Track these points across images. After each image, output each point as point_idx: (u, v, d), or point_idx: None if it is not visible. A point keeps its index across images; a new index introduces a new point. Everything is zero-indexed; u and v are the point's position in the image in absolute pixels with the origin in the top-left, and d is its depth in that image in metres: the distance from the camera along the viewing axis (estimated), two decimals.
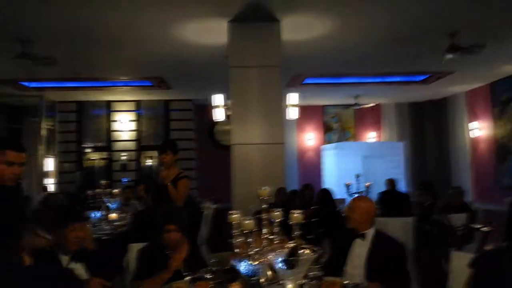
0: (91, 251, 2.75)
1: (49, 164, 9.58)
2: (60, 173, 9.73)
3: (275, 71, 5.14)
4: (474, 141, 9.24)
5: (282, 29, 5.16)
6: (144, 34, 5.52)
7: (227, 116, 5.28)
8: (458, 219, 4.27)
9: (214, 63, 6.42)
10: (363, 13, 4.93)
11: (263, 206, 2.04)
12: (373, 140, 10.94)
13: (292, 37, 5.60)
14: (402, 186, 9.05)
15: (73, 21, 5.01)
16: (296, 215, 1.94)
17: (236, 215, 2.01)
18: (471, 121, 9.31)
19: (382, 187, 6.92)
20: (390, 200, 5.95)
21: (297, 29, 5.40)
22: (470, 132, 9.29)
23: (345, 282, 2.11)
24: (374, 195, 6.58)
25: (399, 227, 4.50)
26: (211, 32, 5.41)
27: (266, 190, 2.03)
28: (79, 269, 2.55)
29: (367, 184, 5.77)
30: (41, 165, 9.03)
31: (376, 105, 10.91)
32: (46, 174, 9.31)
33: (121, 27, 5.25)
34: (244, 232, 1.94)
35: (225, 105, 5.34)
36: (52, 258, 2.48)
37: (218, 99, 5.31)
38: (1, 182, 2.39)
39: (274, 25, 5.14)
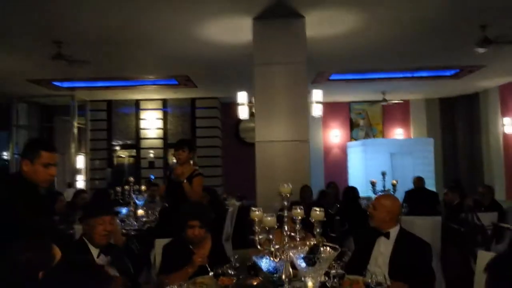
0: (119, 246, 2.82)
1: (80, 161, 9.90)
2: (91, 170, 10.04)
3: (301, 67, 5.11)
4: (508, 137, 8.90)
5: (307, 25, 5.13)
6: (170, 34, 5.62)
7: (252, 114, 5.30)
8: (488, 218, 4.14)
9: (239, 61, 6.46)
10: (390, 6, 4.83)
11: (284, 203, 2.04)
12: (402, 136, 10.71)
13: (318, 33, 5.56)
14: (432, 184, 8.83)
15: (104, 25, 5.19)
16: (317, 212, 1.94)
17: (257, 212, 2.02)
18: (504, 116, 8.98)
19: (410, 185, 6.77)
20: (418, 199, 5.81)
21: (322, 24, 5.35)
22: (504, 128, 8.95)
23: (368, 280, 2.09)
24: (401, 193, 6.46)
25: (427, 226, 4.40)
26: (235, 30, 5.45)
27: (287, 188, 2.03)
28: (106, 261, 2.62)
29: (393, 182, 5.66)
30: (73, 163, 9.34)
31: (405, 100, 10.68)
32: (77, 171, 9.63)
33: (148, 29, 5.37)
34: (266, 229, 1.95)
35: (249, 102, 5.36)
36: (82, 250, 2.56)
37: (242, 96, 5.33)
38: (37, 182, 2.41)
39: (299, 21, 5.12)
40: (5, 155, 9.65)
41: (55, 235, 2.70)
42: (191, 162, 4.47)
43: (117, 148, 10.16)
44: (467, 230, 3.85)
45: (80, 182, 9.90)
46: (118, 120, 10.19)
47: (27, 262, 1.56)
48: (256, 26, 5.15)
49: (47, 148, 2.43)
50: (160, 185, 4.85)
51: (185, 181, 4.09)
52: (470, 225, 3.81)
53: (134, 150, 10.13)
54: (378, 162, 8.63)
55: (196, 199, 4.07)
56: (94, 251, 2.62)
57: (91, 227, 2.61)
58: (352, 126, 10.94)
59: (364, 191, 6.86)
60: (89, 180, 10.01)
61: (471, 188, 7.33)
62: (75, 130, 9.38)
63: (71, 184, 9.20)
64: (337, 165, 10.57)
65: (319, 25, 5.35)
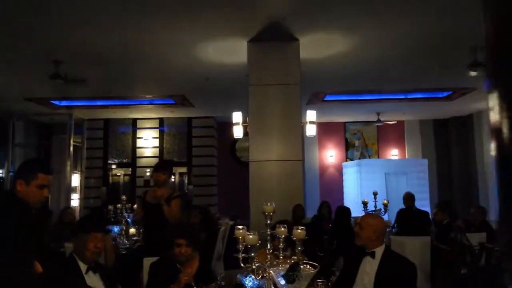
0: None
1: (75, 179, 9.90)
2: (86, 188, 10.03)
3: (294, 89, 5.20)
4: None
5: (301, 47, 5.25)
6: (169, 54, 5.73)
7: (247, 133, 5.35)
8: (476, 238, 4.16)
9: (236, 81, 6.56)
10: (385, 29, 4.94)
11: (267, 222, 2.08)
12: (397, 157, 10.78)
13: (312, 55, 5.67)
14: (427, 204, 8.84)
15: (103, 44, 5.29)
16: (298, 231, 1.97)
17: (241, 230, 2.05)
18: None
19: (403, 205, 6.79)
20: (408, 218, 5.82)
21: (317, 46, 5.47)
22: None
23: None
24: (393, 213, 6.48)
25: (416, 246, 4.41)
26: (232, 51, 5.56)
27: (270, 206, 2.07)
28: (96, 280, 2.63)
29: (384, 201, 5.69)
30: (68, 181, 9.35)
31: (399, 121, 10.79)
32: (72, 190, 9.62)
33: (146, 49, 5.48)
34: (248, 246, 1.98)
35: (244, 122, 5.43)
36: (71, 265, 2.57)
37: (237, 116, 5.41)
38: (30, 203, 2.39)
39: (293, 43, 5.24)
40: (0, 172, 9.64)
41: (46, 253, 2.72)
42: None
43: (113, 166, 10.19)
44: (455, 250, 3.86)
45: (75, 200, 9.87)
46: (114, 138, 10.25)
47: (7, 277, 1.58)
48: (251, 48, 5.27)
49: (44, 170, 2.43)
50: (136, 209, 4.54)
51: (164, 204, 4.01)
52: (459, 245, 3.82)
53: (130, 169, 10.15)
54: (373, 182, 8.67)
55: (175, 221, 4.02)
56: (83, 267, 2.63)
57: (82, 243, 2.62)
58: (348, 146, 11.01)
59: (358, 211, 6.87)
60: (83, 199, 9.99)
61: (466, 208, 7.33)
62: (71, 148, 9.42)
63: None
64: (332, 185, 10.59)
65: (313, 48, 5.46)
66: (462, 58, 5.61)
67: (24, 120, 9.87)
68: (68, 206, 7.35)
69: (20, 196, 2.37)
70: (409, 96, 8.51)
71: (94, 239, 2.61)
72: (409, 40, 5.32)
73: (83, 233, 2.64)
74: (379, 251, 2.66)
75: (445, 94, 8.33)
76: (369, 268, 2.63)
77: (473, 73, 5.64)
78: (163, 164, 4.47)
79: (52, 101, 8.41)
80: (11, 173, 9.25)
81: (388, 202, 5.67)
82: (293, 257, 1.99)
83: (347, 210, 5.77)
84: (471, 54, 5.51)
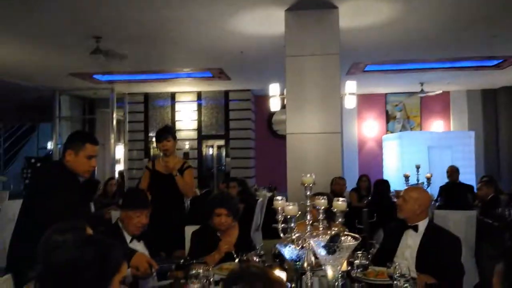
0: (153, 231, 2.90)
1: (119, 151, 10.28)
2: (129, 160, 10.41)
3: (334, 59, 5.03)
4: None
5: (340, 15, 5.05)
6: (204, 28, 5.70)
7: (284, 106, 5.29)
8: None
9: (273, 53, 6.46)
10: None
11: (307, 193, 2.06)
12: (440, 129, 10.35)
13: (352, 24, 5.46)
14: (473, 179, 8.49)
15: (141, 19, 5.33)
16: (339, 202, 1.95)
17: (280, 201, 2.05)
18: None
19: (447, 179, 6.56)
20: (452, 192, 5.61)
21: (357, 15, 5.25)
22: None
23: (392, 271, 2.07)
24: (436, 187, 6.27)
25: (461, 221, 4.26)
26: (268, 22, 5.45)
27: (310, 178, 2.05)
28: (141, 248, 2.74)
29: (427, 175, 5.50)
30: (112, 153, 9.72)
31: (444, 92, 10.31)
32: (116, 161, 10.01)
33: (182, 22, 5.48)
34: (288, 217, 1.98)
35: (282, 94, 5.36)
36: (116, 233, 2.69)
37: (274, 88, 5.34)
38: (78, 172, 2.51)
39: (332, 12, 5.04)
40: (49, 145, 10.16)
41: (93, 220, 2.85)
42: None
43: (154, 139, 10.45)
44: (501, 225, 3.71)
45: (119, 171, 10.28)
46: (154, 112, 10.49)
47: (64, 242, 1.67)
48: (288, 18, 5.13)
49: (91, 141, 2.53)
50: (142, 179, 4.08)
51: (177, 174, 3.79)
52: (505, 219, 3.66)
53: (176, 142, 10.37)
54: (415, 155, 8.39)
55: (190, 192, 3.94)
56: (127, 237, 2.74)
57: (128, 217, 2.71)
58: (388, 118, 10.69)
59: (399, 184, 6.72)
60: (127, 170, 10.38)
61: None
62: (114, 122, 9.74)
63: (122, 173, 9.56)
64: (372, 158, 10.39)
65: (353, 16, 5.24)
66: None
67: (68, 95, 10.27)
68: (112, 177, 7.66)
69: (69, 166, 2.48)
70: (455, 65, 8.07)
71: (140, 214, 2.70)
72: (456, 6, 4.99)
73: (129, 209, 2.72)
74: (423, 224, 2.59)
75: (494, 62, 7.83)
76: (411, 241, 2.57)
77: None
78: (163, 130, 4.01)
79: (95, 76, 8.66)
80: (59, 145, 9.72)
81: (431, 176, 5.49)
82: (333, 228, 1.97)
83: (386, 183, 5.65)
84: None
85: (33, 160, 11.47)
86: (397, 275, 1.99)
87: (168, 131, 3.98)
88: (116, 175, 9.62)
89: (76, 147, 2.47)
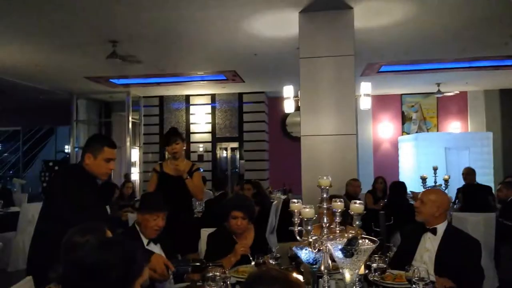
0: (168, 234, 2.92)
1: (135, 154, 10.39)
2: (144, 163, 10.51)
3: (348, 60, 5.00)
4: None
5: (355, 16, 5.02)
6: (218, 30, 5.74)
7: (298, 108, 5.28)
8: None
9: (287, 55, 6.46)
10: None
11: (323, 196, 2.05)
12: (458, 130, 10.18)
13: (367, 24, 5.42)
14: (491, 180, 8.34)
15: (156, 23, 5.40)
16: (356, 205, 1.93)
17: (296, 204, 2.04)
18: None
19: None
20: (472, 194, 5.51)
21: (372, 15, 5.21)
22: None
23: (410, 275, 2.04)
24: (454, 189, 6.16)
25: (479, 223, 4.18)
26: (282, 24, 5.45)
27: (326, 180, 2.03)
28: (157, 250, 2.76)
29: (445, 177, 5.41)
30: (128, 156, 9.83)
31: (462, 92, 10.14)
32: (132, 164, 10.12)
33: (197, 25, 5.52)
34: (305, 220, 1.97)
35: (296, 96, 5.35)
36: (133, 236, 2.71)
37: (288, 90, 5.33)
38: (97, 175, 2.55)
39: (347, 12, 5.01)
40: (66, 148, 10.32)
41: (111, 222, 2.88)
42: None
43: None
44: None
45: (135, 174, 10.39)
46: (169, 115, 10.58)
47: (85, 243, 1.69)
48: (302, 19, 5.11)
49: (110, 144, 2.57)
50: (150, 182, 4.01)
51: (187, 177, 3.76)
52: None
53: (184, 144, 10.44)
54: (432, 157, 8.28)
55: (200, 194, 3.93)
56: (144, 240, 2.76)
57: (145, 220, 2.73)
58: (404, 119, 10.57)
59: (415, 186, 6.63)
60: (142, 172, 10.48)
61: None
62: (130, 125, 9.85)
63: (128, 175, 9.65)
64: (387, 160, 10.27)
65: (368, 16, 5.21)
66: None
67: (85, 98, 10.43)
68: (128, 180, 7.74)
69: (88, 169, 2.52)
70: (473, 65, 7.93)
71: (157, 218, 2.72)
72: (472, 5, 4.91)
73: (146, 212, 2.74)
74: (441, 227, 2.54)
75: None
76: (429, 245, 2.53)
77: None
78: (172, 133, 3.93)
79: (111, 80, 8.78)
80: (76, 149, 9.87)
81: (449, 178, 5.40)
82: (350, 231, 1.95)
83: (403, 185, 5.58)
84: None
85: (51, 164, 11.68)
86: (416, 278, 1.96)
87: (176, 134, 3.94)
88: (133, 178, 9.72)
89: (94, 150, 2.51)
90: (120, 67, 6.95)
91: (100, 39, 5.93)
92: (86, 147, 2.57)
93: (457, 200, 5.85)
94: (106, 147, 2.53)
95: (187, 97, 10.50)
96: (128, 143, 9.80)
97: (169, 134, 3.96)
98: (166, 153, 3.99)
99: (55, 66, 7.50)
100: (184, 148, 4.02)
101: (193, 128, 10.47)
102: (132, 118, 9.97)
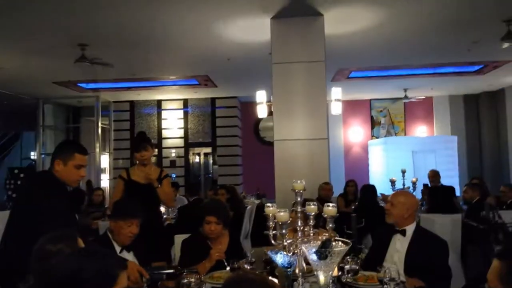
0: (141, 241, 2.87)
1: (104, 160, 10.16)
2: (114, 169, 10.29)
3: (319, 66, 5.09)
4: None
5: (325, 23, 5.12)
6: (191, 34, 5.72)
7: (271, 113, 5.32)
8: (508, 215, 4.06)
9: (259, 60, 6.50)
10: (411, 1, 4.75)
11: (297, 199, 2.08)
12: (424, 134, 10.54)
13: (337, 31, 5.54)
14: (456, 182, 8.66)
15: (127, 26, 5.31)
16: (329, 208, 1.97)
17: (271, 208, 2.06)
18: None
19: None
20: (436, 196, 5.71)
21: (342, 22, 5.33)
22: None
23: (382, 276, 2.10)
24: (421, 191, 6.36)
25: (447, 224, 4.34)
26: (255, 30, 5.49)
27: (300, 184, 2.07)
28: (131, 258, 2.71)
29: (413, 179, 5.59)
30: (98, 162, 9.60)
31: (427, 97, 10.50)
32: (102, 170, 9.89)
33: (169, 29, 5.48)
34: (279, 224, 1.99)
35: (268, 101, 5.40)
36: (106, 244, 2.65)
37: (260, 95, 5.37)
38: (67, 182, 2.49)
39: (318, 19, 5.11)
40: (32, 155, 9.98)
41: (81, 230, 2.81)
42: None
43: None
44: (487, 228, 3.79)
45: (105, 181, 10.15)
46: (140, 120, 10.43)
47: (58, 252, 1.65)
48: (274, 25, 5.17)
49: (81, 151, 2.51)
50: (115, 190, 3.90)
51: (158, 186, 3.67)
52: (491, 222, 3.74)
53: (156, 150, 10.32)
54: (400, 160, 8.53)
55: (170, 202, 3.88)
56: (117, 247, 2.71)
57: (119, 227, 2.67)
58: (373, 124, 10.84)
59: (385, 189, 6.79)
60: (112, 179, 10.26)
61: (496, 186, 7.15)
62: (99, 130, 9.64)
63: (90, 182, 9.38)
64: (358, 163, 10.50)
65: (338, 23, 5.32)
66: (493, 30, 5.37)
67: (52, 103, 10.13)
68: (98, 187, 7.57)
69: (58, 175, 2.45)
70: (438, 71, 8.24)
71: (130, 224, 2.67)
72: (437, 13, 5.11)
73: (120, 219, 2.69)
74: (410, 228, 2.63)
75: (476, 68, 8.03)
76: (399, 246, 2.61)
77: (505, 45, 5.40)
78: (142, 140, 3.82)
79: (79, 84, 8.57)
80: (43, 155, 9.56)
81: (417, 180, 5.57)
82: (324, 234, 1.99)
83: (373, 188, 5.71)
84: (504, 25, 5.27)
85: (16, 171, 11.23)
86: (387, 279, 2.02)
87: (145, 140, 3.83)
88: (103, 184, 9.49)
89: (65, 156, 2.45)
90: (89, 71, 6.79)
91: (69, 42, 5.79)
92: (56, 153, 2.50)
93: (423, 202, 6.05)
94: (76, 153, 2.47)
95: (159, 102, 10.39)
96: (97, 149, 9.57)
97: (138, 140, 3.87)
98: (135, 159, 3.89)
99: (20, 70, 7.26)
100: (153, 153, 3.89)
101: (165, 133, 10.36)
102: (101, 124, 9.75)
